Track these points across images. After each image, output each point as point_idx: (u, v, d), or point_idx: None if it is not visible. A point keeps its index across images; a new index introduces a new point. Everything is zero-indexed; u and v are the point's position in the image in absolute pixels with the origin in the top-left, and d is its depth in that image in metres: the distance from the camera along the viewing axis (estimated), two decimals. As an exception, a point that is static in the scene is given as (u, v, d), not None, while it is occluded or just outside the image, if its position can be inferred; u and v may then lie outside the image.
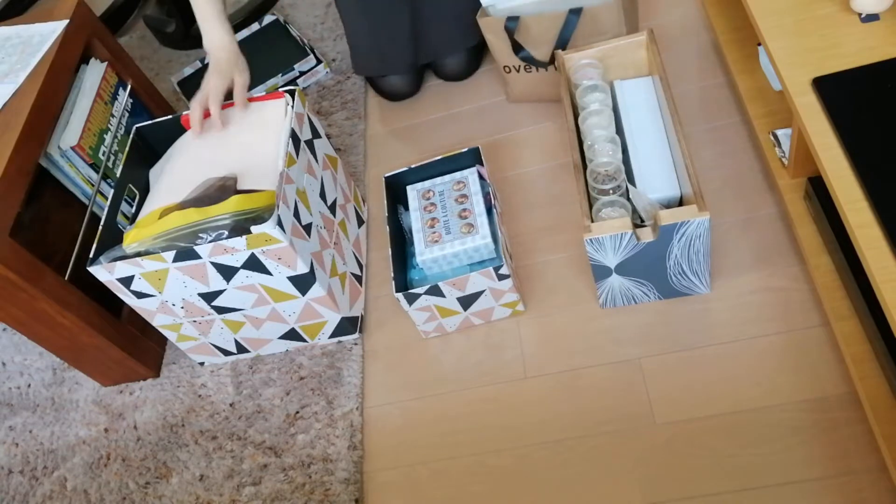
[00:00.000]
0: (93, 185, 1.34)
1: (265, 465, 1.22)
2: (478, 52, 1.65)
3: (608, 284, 1.16)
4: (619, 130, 1.24)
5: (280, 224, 1.07)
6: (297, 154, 1.20)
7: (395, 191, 1.38)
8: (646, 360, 1.15)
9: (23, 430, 1.42)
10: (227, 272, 1.13)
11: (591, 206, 1.13)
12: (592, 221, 1.08)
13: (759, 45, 1.33)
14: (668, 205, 1.15)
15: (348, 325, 1.29)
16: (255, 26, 1.96)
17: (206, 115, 1.28)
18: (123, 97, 1.49)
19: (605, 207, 1.12)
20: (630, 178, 1.18)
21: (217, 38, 1.28)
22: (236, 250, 1.09)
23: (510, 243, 1.37)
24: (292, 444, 1.23)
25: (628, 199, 1.14)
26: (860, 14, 0.99)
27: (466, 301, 1.21)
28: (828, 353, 1.07)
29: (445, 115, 1.62)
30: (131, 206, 1.28)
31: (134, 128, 1.33)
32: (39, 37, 1.38)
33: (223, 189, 1.12)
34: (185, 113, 1.31)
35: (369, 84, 1.72)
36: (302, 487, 1.18)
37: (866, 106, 0.90)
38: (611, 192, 1.13)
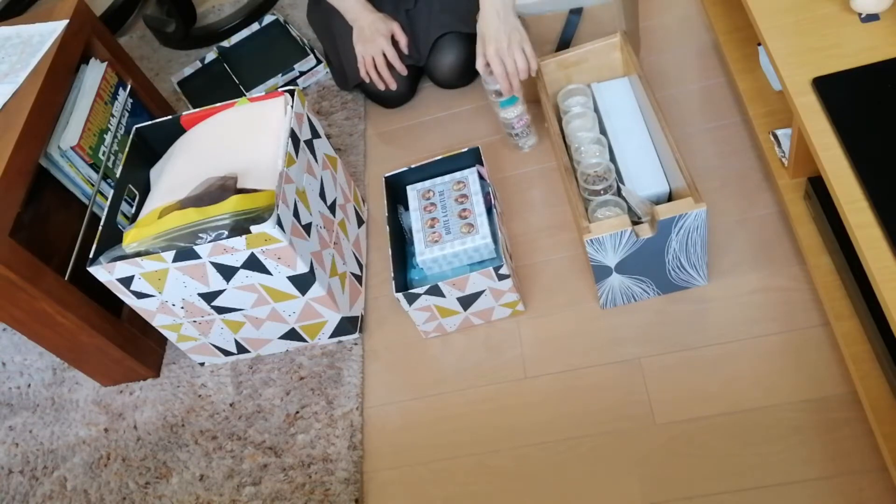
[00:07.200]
0: (93, 185, 1.34)
1: (265, 465, 1.22)
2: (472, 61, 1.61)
3: (608, 284, 1.16)
4: (602, 132, 1.25)
5: (280, 224, 1.07)
6: (297, 154, 1.20)
7: (395, 191, 1.38)
8: (646, 360, 1.15)
9: (23, 430, 1.42)
10: (227, 272, 1.13)
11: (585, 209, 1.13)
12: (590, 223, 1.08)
13: (759, 45, 1.33)
14: (657, 201, 1.15)
15: (348, 325, 1.29)
16: (255, 26, 1.96)
17: (207, 113, 1.28)
18: (123, 97, 1.49)
19: (599, 208, 1.12)
20: (618, 178, 1.18)
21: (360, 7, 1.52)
22: (236, 250, 1.09)
23: (510, 243, 1.37)
24: (292, 444, 1.23)
25: (621, 196, 1.14)
26: (860, 14, 0.99)
27: (466, 301, 1.21)
28: (828, 353, 1.07)
29: (445, 115, 1.62)
30: (131, 206, 1.28)
31: (134, 128, 1.33)
32: (39, 37, 1.38)
33: (223, 189, 1.12)
34: (185, 113, 1.31)
35: (362, 91, 1.70)
36: (302, 487, 1.18)
37: (866, 106, 0.90)
38: (602, 192, 1.13)
